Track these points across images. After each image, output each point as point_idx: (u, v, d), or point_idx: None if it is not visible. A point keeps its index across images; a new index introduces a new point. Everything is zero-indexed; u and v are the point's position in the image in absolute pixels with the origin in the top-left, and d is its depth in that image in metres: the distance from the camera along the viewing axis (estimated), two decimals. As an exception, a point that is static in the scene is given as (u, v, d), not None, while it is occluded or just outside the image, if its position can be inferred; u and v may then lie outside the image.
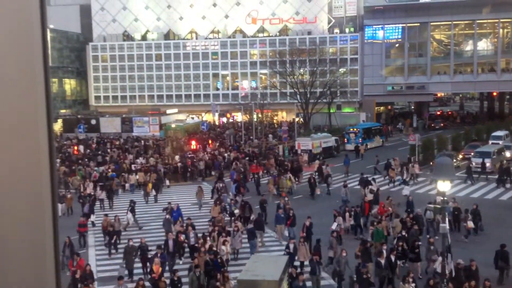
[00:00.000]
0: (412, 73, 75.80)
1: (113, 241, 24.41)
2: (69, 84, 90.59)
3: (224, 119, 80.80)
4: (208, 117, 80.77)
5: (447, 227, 21.40)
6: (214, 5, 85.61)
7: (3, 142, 1.22)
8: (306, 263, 20.85)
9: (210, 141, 54.66)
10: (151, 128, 66.44)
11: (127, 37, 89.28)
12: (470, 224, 25.18)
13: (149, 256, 21.12)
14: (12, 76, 1.23)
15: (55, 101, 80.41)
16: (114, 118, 70.46)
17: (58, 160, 42.12)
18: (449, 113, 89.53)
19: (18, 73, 1.23)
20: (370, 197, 30.45)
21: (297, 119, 68.40)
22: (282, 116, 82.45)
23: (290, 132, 56.68)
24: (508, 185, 36.15)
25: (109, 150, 51.56)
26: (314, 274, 19.37)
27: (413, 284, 17.58)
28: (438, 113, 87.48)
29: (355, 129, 55.81)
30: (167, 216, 25.76)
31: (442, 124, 73.83)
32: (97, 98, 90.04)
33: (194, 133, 60.86)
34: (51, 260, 1.30)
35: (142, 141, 56.89)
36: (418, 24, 74.19)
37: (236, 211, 27.68)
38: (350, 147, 53.06)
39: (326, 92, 67.65)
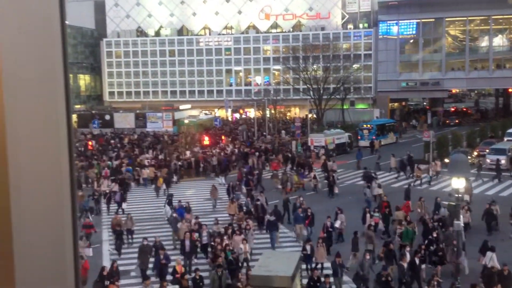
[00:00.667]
0: (426, 69, 75.18)
1: (119, 241, 23.85)
2: (84, 80, 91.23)
3: (237, 115, 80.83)
4: (221, 113, 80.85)
5: (462, 224, 21.30)
6: (227, 0, 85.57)
7: (24, 139, 1.22)
8: (326, 265, 20.07)
9: (223, 137, 54.74)
10: (164, 123, 66.69)
11: (141, 33, 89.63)
12: None
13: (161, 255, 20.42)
14: (32, 73, 1.22)
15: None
16: (128, 114, 70.85)
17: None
18: (464, 109, 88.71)
19: (38, 70, 1.23)
20: (379, 191, 30.46)
21: (310, 115, 68.22)
22: (295, 112, 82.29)
23: (303, 128, 56.56)
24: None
25: (119, 145, 52.00)
26: (336, 277, 18.44)
27: None
28: (453, 109, 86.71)
29: (368, 126, 55.53)
30: (174, 215, 25.29)
31: (456, 121, 73.16)
32: (111, 93, 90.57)
33: (207, 129, 60.99)
34: (70, 256, 1.31)
35: (154, 137, 57.17)
36: (433, 19, 73.48)
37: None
38: (363, 143, 52.78)
39: (340, 88, 67.38)
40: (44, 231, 1.25)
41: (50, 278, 1.27)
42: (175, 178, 38.37)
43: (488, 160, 39.81)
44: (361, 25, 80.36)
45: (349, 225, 24.97)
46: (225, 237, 21.72)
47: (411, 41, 77.00)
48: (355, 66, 73.55)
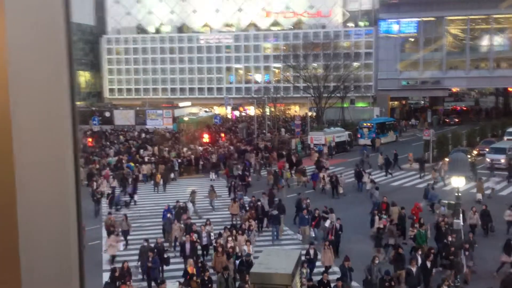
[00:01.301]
0: (427, 68, 75.13)
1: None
2: (84, 77, 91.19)
3: (237, 113, 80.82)
4: (221, 111, 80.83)
5: (461, 223, 21.26)
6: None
7: (29, 135, 1.23)
8: (335, 269, 19.15)
9: (222, 135, 54.74)
10: (164, 121, 66.67)
11: (141, 30, 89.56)
12: None
13: (166, 256, 20.25)
14: (38, 71, 1.23)
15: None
16: (128, 111, 70.88)
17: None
18: (464, 108, 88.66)
19: (44, 67, 1.24)
20: (369, 186, 31.00)
21: (310, 113, 68.19)
22: (295, 110, 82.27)
23: (303, 127, 56.54)
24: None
25: (115, 141, 52.15)
26: (344, 281, 17.60)
27: None
28: (453, 108, 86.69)
29: (368, 124, 55.51)
30: (168, 215, 24.57)
31: (457, 120, 73.16)
32: (111, 90, 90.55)
33: (207, 126, 60.98)
34: (75, 254, 1.31)
35: (152, 133, 57.24)
36: (434, 18, 73.42)
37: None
38: (363, 141, 52.75)
39: (340, 87, 67.35)
40: (49, 227, 1.25)
41: (55, 274, 1.27)
42: (173, 175, 38.41)
43: (487, 159, 39.77)
44: (362, 24, 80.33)
45: (354, 223, 24.88)
46: (229, 239, 20.95)
47: (412, 39, 76.95)
48: (356, 64, 73.50)
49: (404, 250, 19.79)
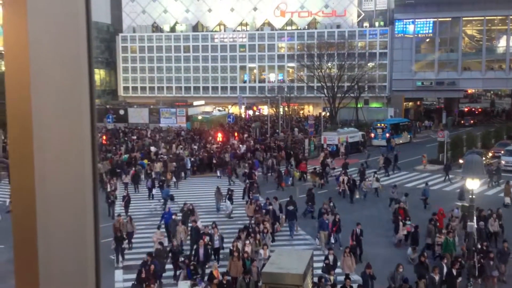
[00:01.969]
0: (442, 69, 74.54)
1: (123, 246, 21.82)
2: (99, 74, 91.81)
3: (251, 112, 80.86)
4: (234, 110, 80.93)
5: (475, 225, 21.06)
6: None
7: (49, 133, 1.25)
8: (357, 277, 18.18)
9: (235, 134, 54.79)
10: (177, 119, 66.91)
11: (156, 28, 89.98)
12: None
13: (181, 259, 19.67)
14: (58, 70, 1.25)
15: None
16: (142, 109, 71.25)
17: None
18: (480, 110, 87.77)
19: (65, 66, 1.26)
20: (376, 185, 31.18)
21: (323, 113, 68.00)
22: (309, 110, 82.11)
23: (316, 126, 56.39)
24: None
25: (126, 138, 52.55)
26: None
27: None
28: (468, 109, 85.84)
29: (382, 124, 55.21)
30: (173, 217, 23.71)
31: (471, 121, 72.49)
32: (126, 88, 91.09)
33: (220, 125, 61.11)
34: (91, 249, 1.35)
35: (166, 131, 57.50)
36: (450, 19, 72.80)
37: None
38: (377, 142, 52.48)
39: (354, 87, 67.06)
40: (67, 222, 1.28)
41: (71, 269, 1.29)
42: (182, 175, 38.34)
43: (503, 162, 39.37)
44: (377, 24, 79.88)
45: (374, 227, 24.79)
46: (247, 242, 20.33)
47: (427, 40, 76.36)
48: (370, 64, 73.13)
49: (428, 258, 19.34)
